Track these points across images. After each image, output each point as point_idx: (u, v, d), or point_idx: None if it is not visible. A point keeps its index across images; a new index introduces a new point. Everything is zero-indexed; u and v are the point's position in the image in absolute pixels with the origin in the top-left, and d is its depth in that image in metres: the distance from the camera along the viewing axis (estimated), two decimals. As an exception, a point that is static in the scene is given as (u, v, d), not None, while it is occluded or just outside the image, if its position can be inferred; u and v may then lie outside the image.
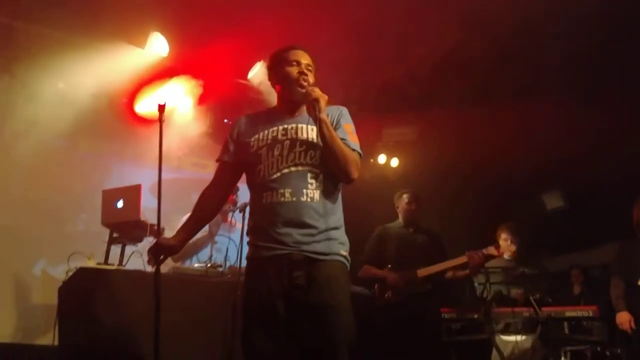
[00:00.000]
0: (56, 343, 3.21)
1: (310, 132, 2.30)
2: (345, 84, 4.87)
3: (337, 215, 2.30)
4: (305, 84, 2.30)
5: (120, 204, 3.56)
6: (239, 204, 3.85)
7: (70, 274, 3.31)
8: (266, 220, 2.22)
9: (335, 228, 2.27)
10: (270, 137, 2.31)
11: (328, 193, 2.28)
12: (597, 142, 5.31)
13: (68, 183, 5.07)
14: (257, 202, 2.30)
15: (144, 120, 5.61)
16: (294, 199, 2.20)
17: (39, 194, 4.79)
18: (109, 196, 3.65)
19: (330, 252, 2.20)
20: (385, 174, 6.77)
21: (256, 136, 2.34)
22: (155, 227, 3.54)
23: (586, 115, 5.07)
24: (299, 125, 2.33)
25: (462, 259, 4.13)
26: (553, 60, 4.92)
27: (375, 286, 4.33)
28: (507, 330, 4.10)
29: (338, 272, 2.21)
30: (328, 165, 2.26)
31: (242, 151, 2.37)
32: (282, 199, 2.20)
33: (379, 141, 6.68)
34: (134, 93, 5.54)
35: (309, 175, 2.25)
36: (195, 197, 3.90)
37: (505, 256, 4.58)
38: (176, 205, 3.29)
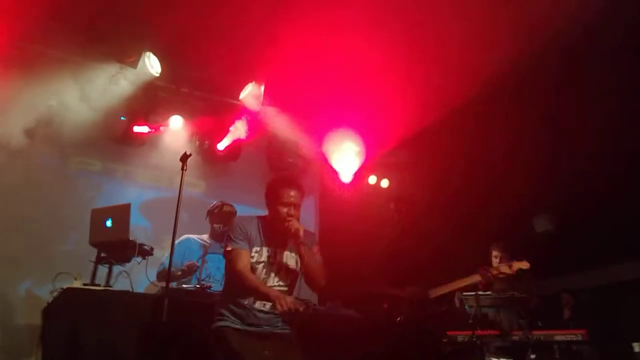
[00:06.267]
0: (39, 365, 3.14)
1: (291, 259, 3.01)
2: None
3: None
4: (290, 220, 2.92)
5: (109, 223, 3.54)
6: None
7: (55, 294, 3.25)
8: (246, 322, 2.86)
9: None
10: (264, 257, 2.96)
11: None
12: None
13: (57, 201, 5.03)
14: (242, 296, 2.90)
15: (135, 139, 5.62)
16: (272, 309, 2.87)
17: (27, 213, 4.73)
18: (98, 215, 3.63)
19: None
20: (374, 195, 6.76)
21: (256, 249, 2.96)
22: (145, 247, 3.55)
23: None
24: (285, 253, 3.01)
25: (476, 277, 4.10)
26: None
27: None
28: (497, 355, 4.06)
29: None
30: (305, 275, 2.95)
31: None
32: (263, 307, 2.90)
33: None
34: (128, 112, 5.53)
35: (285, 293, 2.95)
36: (186, 216, 3.87)
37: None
38: (168, 224, 3.26)
